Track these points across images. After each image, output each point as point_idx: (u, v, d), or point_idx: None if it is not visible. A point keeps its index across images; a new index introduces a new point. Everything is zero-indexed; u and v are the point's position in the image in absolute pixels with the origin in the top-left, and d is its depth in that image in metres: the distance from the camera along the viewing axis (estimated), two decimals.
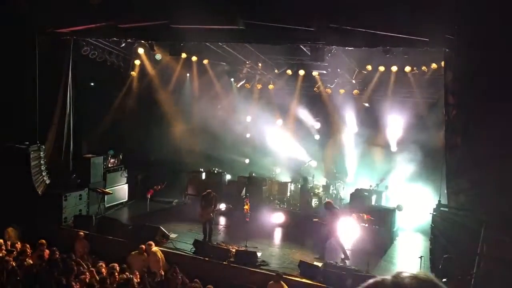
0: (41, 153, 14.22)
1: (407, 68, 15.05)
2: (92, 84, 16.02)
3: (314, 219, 13.41)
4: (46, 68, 14.07)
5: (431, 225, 11.40)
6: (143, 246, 11.55)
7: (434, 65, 14.35)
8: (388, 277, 1.91)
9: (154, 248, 11.69)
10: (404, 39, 10.73)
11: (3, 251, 10.76)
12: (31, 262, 10.45)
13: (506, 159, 9.40)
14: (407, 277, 1.88)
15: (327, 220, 12.61)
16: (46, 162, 14.42)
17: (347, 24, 10.84)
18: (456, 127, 10.57)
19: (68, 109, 14.90)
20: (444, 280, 9.31)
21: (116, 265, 10.42)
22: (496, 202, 9.49)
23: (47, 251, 11.01)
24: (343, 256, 12.28)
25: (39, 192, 14.07)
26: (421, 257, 11.62)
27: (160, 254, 11.61)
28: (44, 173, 14.34)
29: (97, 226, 13.97)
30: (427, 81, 15.52)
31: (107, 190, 15.91)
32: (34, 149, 14.01)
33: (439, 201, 11.49)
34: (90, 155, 16.05)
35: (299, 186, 17.12)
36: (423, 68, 14.81)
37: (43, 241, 11.33)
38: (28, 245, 11.23)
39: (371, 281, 1.95)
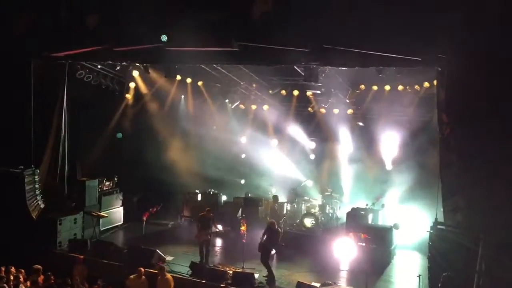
0: (36, 177, 14.13)
1: (400, 87, 15.19)
2: (87, 107, 15.99)
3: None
4: (41, 91, 14.08)
5: (428, 243, 11.36)
6: (142, 269, 11.41)
7: (426, 84, 14.52)
8: None
9: (169, 276, 11.54)
10: (397, 58, 10.84)
11: None
12: None
13: (502, 176, 9.43)
14: None
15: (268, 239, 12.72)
16: (40, 186, 14.32)
17: (340, 44, 10.97)
18: (451, 145, 10.62)
19: (63, 132, 14.87)
20: None
21: None
22: (493, 220, 9.49)
23: (41, 277, 10.85)
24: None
25: (34, 217, 13.93)
26: (419, 275, 11.57)
27: (171, 282, 11.47)
28: (38, 197, 14.23)
29: (93, 250, 13.80)
30: (420, 100, 15.65)
31: (102, 213, 15.78)
32: (29, 173, 13.93)
33: (436, 219, 11.48)
34: (85, 178, 15.97)
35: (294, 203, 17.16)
36: (416, 87, 14.96)
37: (38, 266, 11.17)
38: (23, 270, 11.07)
39: None
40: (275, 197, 17.36)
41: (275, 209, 17.09)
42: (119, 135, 17.06)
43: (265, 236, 12.78)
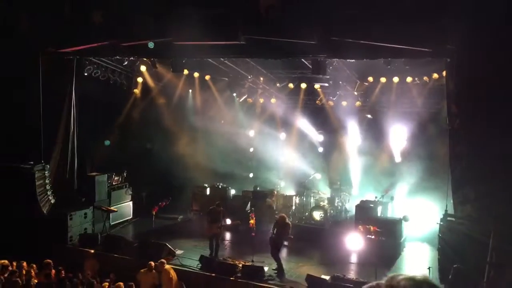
0: (46, 172, 14.24)
1: (409, 79, 15.07)
2: (95, 102, 16.05)
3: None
4: (50, 87, 14.14)
5: (438, 235, 11.33)
6: (152, 263, 11.47)
7: (435, 75, 14.37)
8: (382, 281, 1.90)
9: (167, 266, 11.61)
10: (405, 50, 10.74)
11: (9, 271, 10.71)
12: (37, 282, 10.40)
13: (510, 168, 9.35)
14: (402, 280, 1.86)
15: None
16: (51, 181, 14.44)
17: (348, 36, 10.88)
18: (460, 136, 10.55)
19: (72, 128, 14.95)
20: None
21: (121, 284, 10.36)
22: (503, 211, 9.42)
23: (53, 271, 10.95)
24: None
25: (45, 212, 14.06)
26: (429, 267, 11.55)
27: (172, 273, 11.52)
28: (49, 193, 14.34)
29: (103, 244, 13.92)
30: (429, 91, 15.53)
31: (112, 208, 15.91)
32: (39, 168, 14.04)
33: (446, 210, 11.44)
34: (94, 173, 16.08)
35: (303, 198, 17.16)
36: (425, 78, 14.82)
37: (49, 260, 11.27)
38: (34, 265, 11.19)
39: (364, 287, 1.94)
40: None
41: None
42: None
43: (275, 230, 12.79)
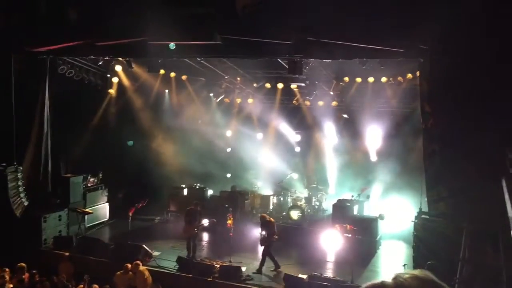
0: (19, 174, 13.94)
1: (383, 79, 15.29)
2: (69, 102, 15.79)
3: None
4: (23, 87, 13.87)
5: (413, 232, 11.52)
6: (128, 265, 11.37)
7: (409, 75, 14.63)
8: (388, 280, 1.91)
9: (141, 268, 11.52)
10: (380, 50, 10.89)
11: None
12: (11, 287, 10.20)
13: (483, 166, 9.55)
14: (408, 278, 1.88)
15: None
16: (24, 183, 14.14)
17: (324, 37, 10.97)
18: (434, 135, 10.73)
19: (46, 128, 14.69)
20: None
21: (96, 286, 10.25)
22: (475, 209, 9.62)
23: (27, 275, 10.76)
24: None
25: (17, 214, 13.76)
26: (404, 265, 11.73)
27: (147, 274, 11.44)
28: (22, 195, 14.03)
29: (78, 246, 13.72)
30: (403, 91, 15.79)
31: (87, 209, 15.69)
32: (12, 170, 13.74)
33: (420, 208, 11.64)
34: (69, 175, 15.83)
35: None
36: (399, 78, 15.06)
37: (23, 264, 11.06)
38: (7, 269, 10.95)
39: (369, 284, 1.94)
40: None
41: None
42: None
43: (263, 231, 12.83)
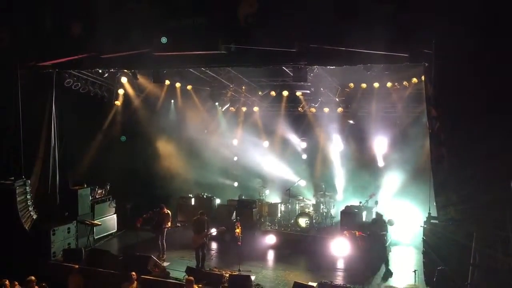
0: (27, 187, 14.01)
1: (389, 84, 15.25)
2: (76, 115, 15.88)
3: None
4: (29, 101, 13.97)
5: (423, 238, 11.42)
6: (134, 274, 11.32)
7: (414, 80, 14.57)
8: None
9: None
10: (384, 55, 10.86)
11: None
12: None
13: (492, 170, 9.46)
14: None
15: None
16: (32, 196, 14.21)
17: (327, 43, 10.97)
18: (441, 139, 10.65)
19: (53, 141, 14.78)
20: None
21: None
22: (485, 214, 9.53)
23: None
24: None
25: (26, 228, 13.81)
26: (415, 270, 11.64)
27: None
28: (30, 208, 14.10)
29: (87, 259, 13.70)
30: (409, 96, 15.74)
31: (95, 221, 15.70)
32: (20, 184, 13.80)
33: (429, 213, 11.55)
34: (77, 187, 15.87)
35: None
36: (405, 83, 15.02)
37: (32, 277, 11.06)
38: (16, 283, 10.96)
39: None
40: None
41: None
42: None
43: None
